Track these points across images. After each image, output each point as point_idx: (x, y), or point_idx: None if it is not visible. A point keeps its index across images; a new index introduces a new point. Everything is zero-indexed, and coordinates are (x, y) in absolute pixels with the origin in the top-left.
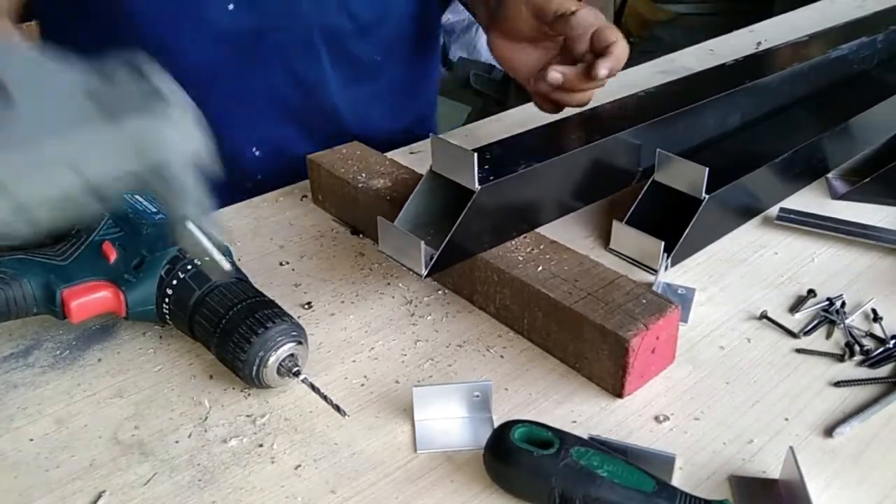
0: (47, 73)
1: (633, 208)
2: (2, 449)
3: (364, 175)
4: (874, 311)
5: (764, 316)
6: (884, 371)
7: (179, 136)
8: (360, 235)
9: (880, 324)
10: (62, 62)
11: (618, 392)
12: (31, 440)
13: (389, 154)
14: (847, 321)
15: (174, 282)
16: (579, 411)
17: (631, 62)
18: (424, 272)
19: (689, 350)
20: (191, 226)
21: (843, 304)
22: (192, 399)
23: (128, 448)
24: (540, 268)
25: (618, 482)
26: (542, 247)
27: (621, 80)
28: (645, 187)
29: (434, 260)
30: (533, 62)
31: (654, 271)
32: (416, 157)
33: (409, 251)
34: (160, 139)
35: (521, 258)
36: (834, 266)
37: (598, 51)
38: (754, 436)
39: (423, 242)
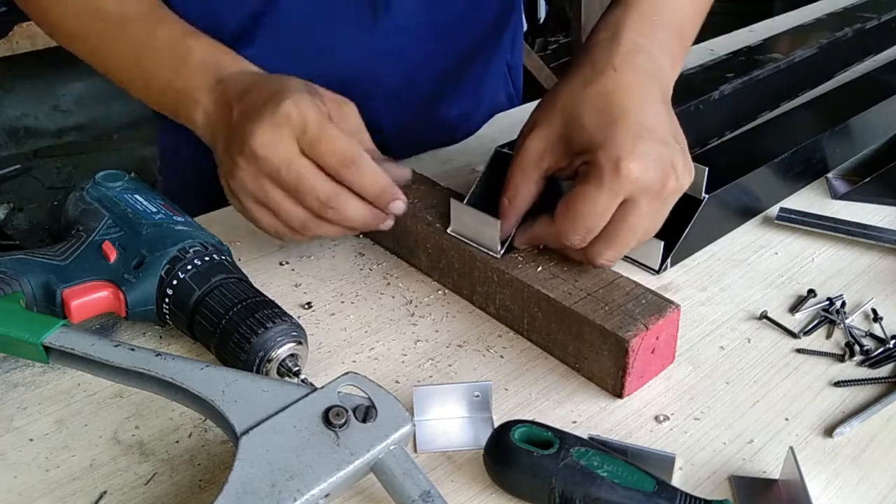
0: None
1: None
2: (2, 449)
3: None
4: (874, 311)
5: (764, 316)
6: (884, 371)
7: (398, 437)
8: (360, 235)
9: (880, 324)
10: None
11: (618, 392)
12: (31, 440)
13: None
14: (847, 321)
15: (174, 282)
16: (579, 411)
17: None
18: (501, 251)
19: (689, 350)
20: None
21: (843, 304)
22: None
23: (128, 448)
24: (540, 268)
25: (618, 482)
26: (541, 247)
27: None
28: None
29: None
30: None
31: (655, 271)
32: (414, 158)
33: (486, 231)
34: (384, 450)
35: (520, 258)
36: (834, 266)
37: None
38: (754, 436)
39: (499, 223)
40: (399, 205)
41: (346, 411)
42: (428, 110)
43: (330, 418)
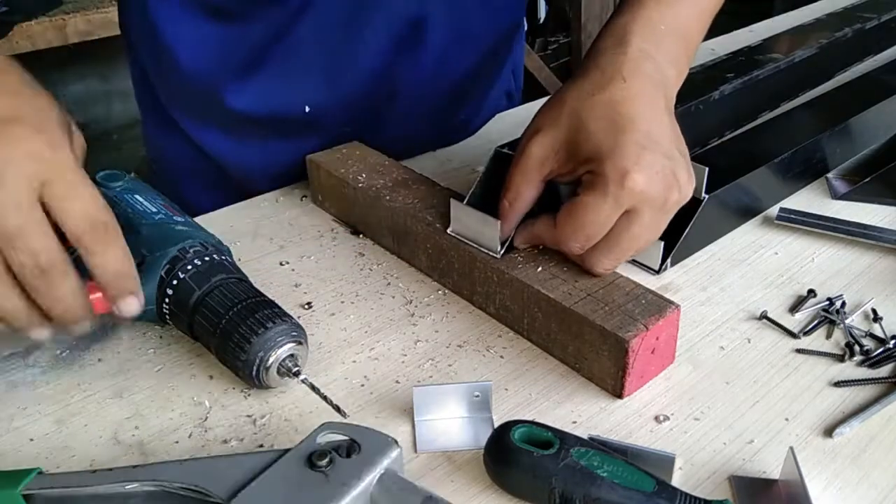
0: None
1: None
2: (2, 449)
3: (364, 175)
4: (874, 311)
5: (764, 316)
6: (884, 371)
7: (388, 462)
8: (360, 235)
9: (880, 324)
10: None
11: (618, 392)
12: (32, 440)
13: None
14: (847, 321)
15: (174, 282)
16: (579, 411)
17: None
18: (501, 251)
19: (689, 350)
20: None
21: (843, 304)
22: (192, 399)
23: (128, 448)
24: (540, 268)
25: (618, 482)
26: (541, 247)
27: None
28: None
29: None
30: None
31: (655, 271)
32: (413, 158)
33: (486, 231)
34: (376, 477)
35: (520, 258)
36: (834, 266)
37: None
38: (754, 436)
39: (499, 223)
40: (133, 304)
41: (330, 451)
42: (436, 118)
43: (314, 461)
